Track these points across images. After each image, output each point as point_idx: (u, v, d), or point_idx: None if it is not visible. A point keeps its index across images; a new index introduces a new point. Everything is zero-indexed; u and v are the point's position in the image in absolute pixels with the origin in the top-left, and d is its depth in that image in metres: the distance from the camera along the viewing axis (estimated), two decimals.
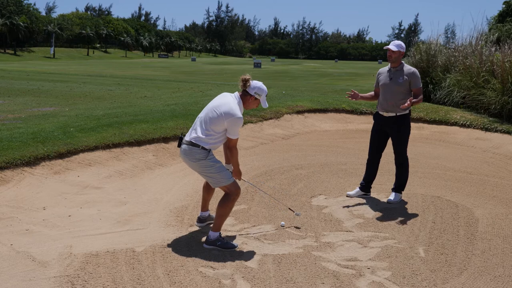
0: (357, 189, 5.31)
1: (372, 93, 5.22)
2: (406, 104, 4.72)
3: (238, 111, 3.70)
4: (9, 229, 4.05)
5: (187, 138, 3.79)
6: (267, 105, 3.97)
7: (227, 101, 3.75)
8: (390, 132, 5.07)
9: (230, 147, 3.82)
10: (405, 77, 4.87)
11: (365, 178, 5.30)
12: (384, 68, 5.14)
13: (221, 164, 3.81)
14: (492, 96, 9.77)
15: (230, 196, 3.78)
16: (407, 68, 4.93)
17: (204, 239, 3.93)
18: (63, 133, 6.72)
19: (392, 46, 4.86)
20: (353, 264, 3.60)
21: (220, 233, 3.84)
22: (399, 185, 5.17)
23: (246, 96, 3.82)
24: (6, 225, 4.13)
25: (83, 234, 4.02)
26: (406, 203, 5.12)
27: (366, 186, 5.29)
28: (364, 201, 5.15)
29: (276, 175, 6.09)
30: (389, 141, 5.21)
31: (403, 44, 4.91)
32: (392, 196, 5.14)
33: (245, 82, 3.79)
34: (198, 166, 3.76)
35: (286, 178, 5.97)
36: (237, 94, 3.85)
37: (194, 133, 3.77)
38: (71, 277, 3.24)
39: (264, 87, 3.87)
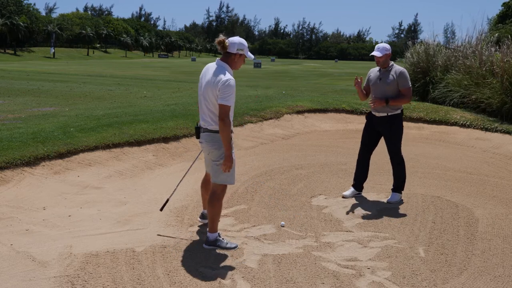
0: (352, 189, 5.31)
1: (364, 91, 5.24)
2: (373, 103, 4.86)
3: (227, 75, 3.56)
4: (9, 229, 4.05)
5: (204, 126, 3.71)
6: (253, 56, 3.83)
7: (214, 72, 3.62)
8: (382, 131, 5.10)
9: (222, 117, 3.51)
10: (393, 77, 4.91)
11: (356, 177, 5.30)
12: (375, 68, 5.18)
13: (234, 164, 3.72)
14: (492, 96, 9.78)
15: (216, 194, 3.74)
16: (396, 68, 4.97)
17: (203, 237, 3.93)
18: (63, 133, 6.72)
19: (377, 53, 4.88)
20: (353, 264, 3.60)
21: (219, 233, 3.83)
22: (398, 185, 5.17)
23: (230, 57, 3.67)
24: (6, 225, 4.13)
25: (83, 234, 4.02)
26: (406, 203, 5.11)
27: (358, 185, 5.29)
28: (364, 201, 5.15)
29: (276, 175, 6.09)
30: (383, 141, 5.23)
31: (387, 46, 4.94)
32: (391, 197, 5.15)
33: (222, 44, 3.61)
34: (215, 155, 3.67)
35: (286, 178, 5.97)
36: (218, 60, 3.71)
37: (207, 121, 3.67)
38: (71, 277, 3.24)
39: (243, 40, 3.71)
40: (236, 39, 3.68)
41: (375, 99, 4.93)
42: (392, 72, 4.93)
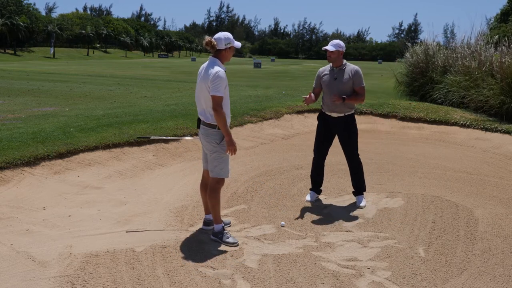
0: (312, 192, 5.16)
1: (313, 95, 4.93)
2: (336, 100, 4.68)
3: (216, 68, 3.71)
4: (9, 229, 4.05)
5: (202, 119, 3.86)
6: (240, 44, 3.96)
7: (205, 68, 3.80)
8: (339, 132, 4.94)
9: (214, 107, 3.67)
10: (349, 75, 4.79)
11: (313, 181, 5.15)
12: (325, 68, 5.00)
13: (227, 158, 3.87)
14: (492, 96, 9.78)
15: (211, 186, 3.89)
16: (351, 67, 4.85)
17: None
18: (63, 133, 6.73)
19: (329, 47, 4.74)
20: (353, 264, 3.60)
21: (223, 226, 3.94)
22: (361, 187, 5.04)
23: (220, 53, 3.81)
24: (6, 225, 4.13)
25: (83, 234, 4.02)
26: (406, 203, 5.11)
27: (317, 187, 5.17)
28: None
29: (276, 175, 6.09)
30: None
31: (341, 43, 4.80)
32: (358, 200, 5.00)
33: (211, 44, 3.74)
34: (210, 149, 3.84)
35: (286, 178, 5.97)
36: (210, 56, 3.86)
37: (202, 114, 3.84)
38: (71, 277, 3.24)
39: (227, 34, 3.83)
40: (221, 35, 3.80)
41: (334, 96, 4.73)
42: (348, 71, 4.80)
